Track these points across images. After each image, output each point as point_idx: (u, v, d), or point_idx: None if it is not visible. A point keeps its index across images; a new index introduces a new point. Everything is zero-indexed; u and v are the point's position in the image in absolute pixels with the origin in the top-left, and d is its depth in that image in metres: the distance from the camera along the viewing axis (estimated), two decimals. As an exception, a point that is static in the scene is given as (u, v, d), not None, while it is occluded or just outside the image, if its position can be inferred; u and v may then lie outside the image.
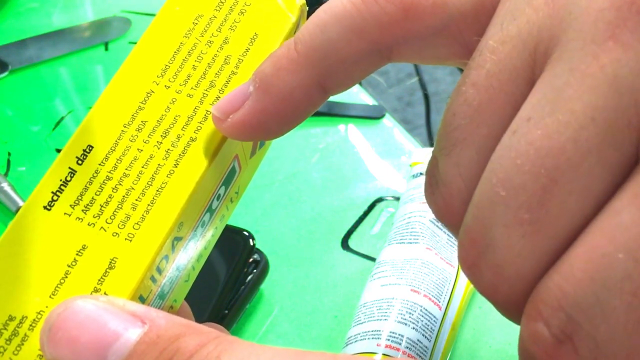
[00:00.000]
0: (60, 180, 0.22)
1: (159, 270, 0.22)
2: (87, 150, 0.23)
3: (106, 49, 0.56)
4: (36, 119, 0.51)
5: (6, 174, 0.46)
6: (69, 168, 0.23)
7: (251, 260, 0.38)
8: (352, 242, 0.42)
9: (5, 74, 0.53)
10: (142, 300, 0.22)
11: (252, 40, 0.25)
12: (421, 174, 0.40)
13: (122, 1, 0.59)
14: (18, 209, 0.42)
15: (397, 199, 0.43)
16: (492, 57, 0.19)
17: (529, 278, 0.17)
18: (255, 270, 0.38)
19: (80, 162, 0.23)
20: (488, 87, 0.19)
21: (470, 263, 0.19)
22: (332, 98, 0.24)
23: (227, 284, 0.37)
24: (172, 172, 0.23)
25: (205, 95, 0.24)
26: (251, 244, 0.38)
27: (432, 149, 0.21)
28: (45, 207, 0.22)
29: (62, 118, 0.50)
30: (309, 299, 0.39)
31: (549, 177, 0.17)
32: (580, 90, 0.16)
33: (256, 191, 0.44)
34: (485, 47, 0.19)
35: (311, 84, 0.22)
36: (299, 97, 0.22)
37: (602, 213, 0.16)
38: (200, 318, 0.36)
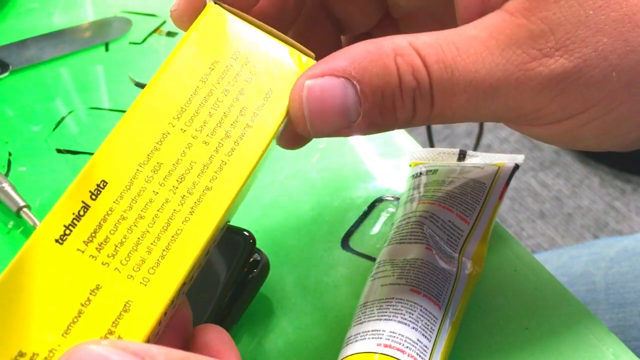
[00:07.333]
0: (73, 213, 0.22)
1: (165, 314, 0.22)
2: (102, 185, 0.22)
3: (107, 49, 0.56)
4: (37, 119, 0.51)
5: (7, 174, 0.47)
6: (82, 202, 0.22)
7: (251, 260, 0.38)
8: (352, 242, 0.42)
9: (6, 74, 0.53)
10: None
11: (267, 97, 0.25)
12: (421, 174, 0.40)
13: (122, 1, 0.59)
14: (19, 209, 0.42)
15: (397, 199, 0.43)
16: None
17: None
18: (255, 270, 0.38)
19: (94, 197, 0.22)
20: None
21: None
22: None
23: (227, 284, 0.37)
24: (187, 219, 0.23)
25: (220, 144, 0.24)
26: (251, 243, 0.38)
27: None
28: (57, 241, 0.22)
29: (63, 118, 0.50)
30: (309, 299, 0.39)
31: None
32: None
33: (256, 191, 0.44)
34: None
35: None
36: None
37: None
38: (200, 318, 0.36)
